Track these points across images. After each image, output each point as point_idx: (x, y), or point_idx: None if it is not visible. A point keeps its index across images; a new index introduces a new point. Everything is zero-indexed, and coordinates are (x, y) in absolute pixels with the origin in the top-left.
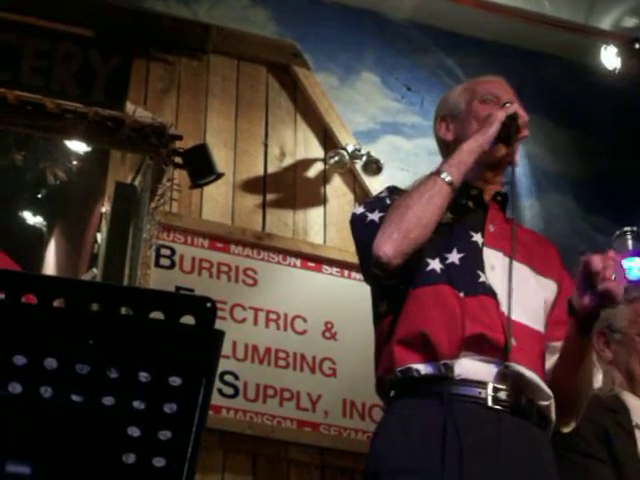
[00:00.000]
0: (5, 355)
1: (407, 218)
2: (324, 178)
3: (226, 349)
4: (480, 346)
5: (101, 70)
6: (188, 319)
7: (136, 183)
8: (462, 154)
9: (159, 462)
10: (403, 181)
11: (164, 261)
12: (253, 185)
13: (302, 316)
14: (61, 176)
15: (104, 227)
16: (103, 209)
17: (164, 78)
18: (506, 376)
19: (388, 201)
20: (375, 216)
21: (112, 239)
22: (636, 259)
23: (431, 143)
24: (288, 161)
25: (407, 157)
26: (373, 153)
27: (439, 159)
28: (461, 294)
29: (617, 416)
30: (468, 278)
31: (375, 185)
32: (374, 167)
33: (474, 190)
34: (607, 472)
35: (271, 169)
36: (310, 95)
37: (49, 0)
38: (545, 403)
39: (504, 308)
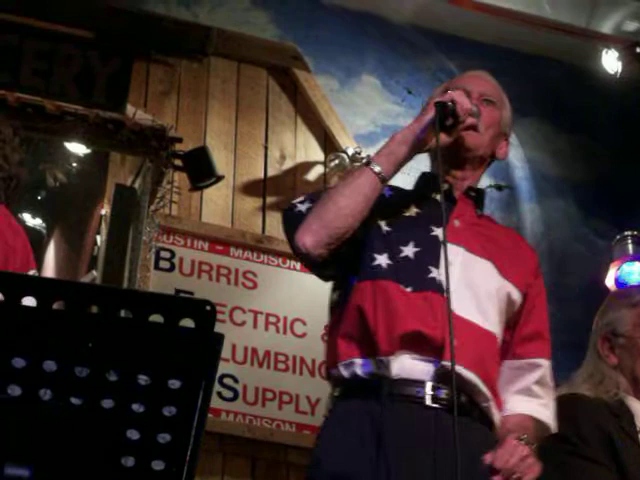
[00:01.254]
0: (4, 358)
1: (328, 208)
2: (324, 181)
3: (225, 352)
4: (418, 344)
5: (101, 72)
6: (187, 322)
7: (136, 185)
8: (393, 144)
9: (158, 465)
10: (403, 184)
11: (164, 264)
12: (253, 188)
13: (301, 319)
14: (61, 178)
15: (104, 229)
16: (103, 211)
17: (164, 80)
18: (444, 375)
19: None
20: (303, 207)
21: (112, 241)
22: (636, 263)
23: None
24: (288, 164)
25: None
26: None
27: None
28: (407, 289)
29: (621, 421)
30: (418, 273)
31: None
32: None
33: (445, 185)
34: (611, 477)
35: (271, 172)
36: (310, 98)
37: (49, 2)
38: (484, 404)
39: (452, 306)
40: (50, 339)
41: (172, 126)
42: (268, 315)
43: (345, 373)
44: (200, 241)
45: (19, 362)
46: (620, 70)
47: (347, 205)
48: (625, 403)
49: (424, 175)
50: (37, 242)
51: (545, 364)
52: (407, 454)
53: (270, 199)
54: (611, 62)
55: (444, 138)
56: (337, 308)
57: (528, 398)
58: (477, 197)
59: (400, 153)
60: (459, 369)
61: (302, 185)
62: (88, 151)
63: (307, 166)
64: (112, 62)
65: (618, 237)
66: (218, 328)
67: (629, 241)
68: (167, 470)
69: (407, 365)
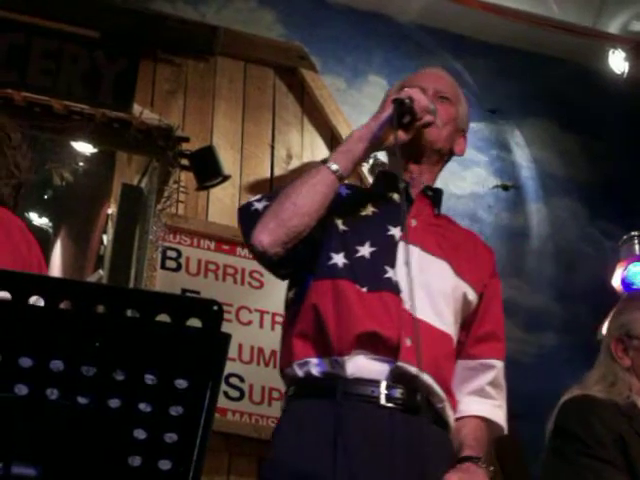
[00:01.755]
0: (11, 357)
1: (285, 207)
2: None
3: (232, 351)
4: (373, 344)
5: (108, 72)
6: (194, 322)
7: (142, 185)
8: (351, 142)
9: (165, 465)
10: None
11: (170, 263)
12: (260, 187)
13: None
14: (67, 177)
15: (110, 229)
16: (109, 211)
17: (171, 80)
18: (399, 375)
19: None
20: (260, 205)
21: (118, 241)
22: None
23: None
24: (295, 163)
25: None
26: (380, 156)
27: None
28: (363, 289)
29: (633, 423)
30: (374, 273)
31: None
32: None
33: (402, 183)
34: (622, 478)
35: (277, 171)
36: (317, 97)
37: (56, 2)
38: (439, 405)
39: (407, 306)
40: (57, 338)
41: (179, 126)
42: (274, 315)
43: (299, 372)
44: (207, 240)
45: (26, 361)
46: (627, 70)
47: (304, 204)
48: (637, 405)
49: (382, 173)
50: (43, 241)
51: (499, 365)
52: (362, 453)
53: None
54: (618, 62)
55: (401, 135)
56: (293, 306)
57: (481, 399)
58: (435, 196)
59: (357, 151)
60: (414, 370)
61: None
62: (95, 150)
63: (314, 166)
64: (119, 61)
65: (625, 237)
66: (225, 328)
67: (636, 241)
68: (174, 470)
69: (362, 365)
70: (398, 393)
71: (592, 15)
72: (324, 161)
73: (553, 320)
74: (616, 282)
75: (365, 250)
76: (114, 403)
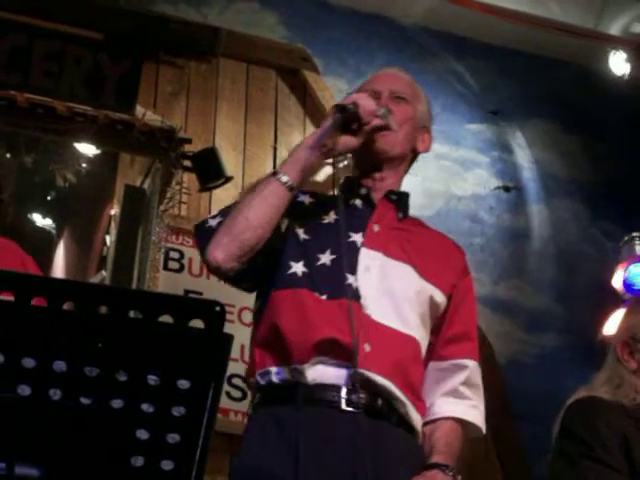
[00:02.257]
0: (14, 357)
1: (237, 221)
2: (333, 182)
3: (234, 352)
4: (333, 351)
5: (111, 73)
6: (197, 323)
7: (145, 186)
8: (299, 151)
9: (167, 465)
10: (411, 186)
11: (173, 264)
12: None
13: None
14: (70, 179)
15: (113, 230)
16: (112, 212)
17: (174, 81)
18: (357, 381)
19: None
20: (214, 222)
21: (121, 242)
22: None
23: (440, 148)
24: None
25: (415, 162)
26: None
27: (448, 164)
28: (323, 297)
29: (638, 424)
30: (333, 281)
31: None
32: None
33: (363, 189)
34: None
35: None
36: (319, 99)
37: (59, 3)
38: (402, 410)
39: (368, 311)
40: (60, 339)
41: (181, 127)
42: None
43: (262, 381)
44: None
45: (29, 362)
46: (628, 71)
47: (255, 217)
48: None
49: (347, 180)
50: (47, 242)
51: (471, 364)
52: (324, 457)
53: None
54: (619, 63)
55: (350, 141)
56: (257, 317)
57: (456, 400)
58: (399, 200)
59: (305, 160)
60: (372, 375)
61: (311, 186)
62: (98, 152)
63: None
64: (122, 63)
65: (626, 238)
66: (227, 328)
67: (637, 242)
68: (176, 470)
69: (322, 371)
70: (359, 398)
71: (593, 17)
72: (274, 173)
73: (554, 321)
74: (617, 283)
75: (326, 258)
76: (117, 404)
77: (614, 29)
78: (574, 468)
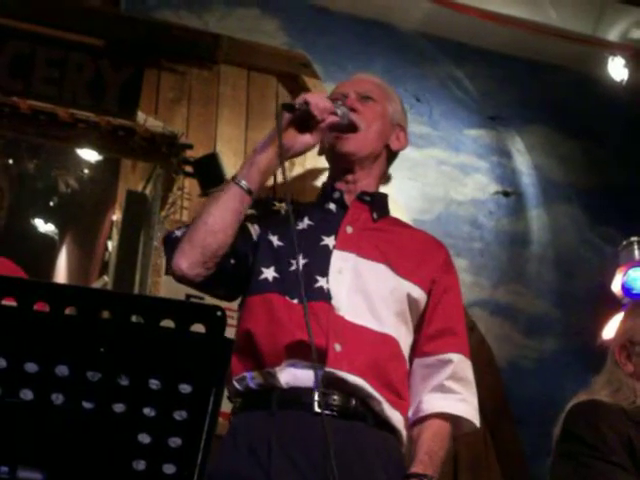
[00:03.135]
0: (17, 362)
1: (198, 228)
2: (274, 191)
3: None
4: (304, 353)
5: (113, 80)
6: (198, 327)
7: (147, 191)
8: (253, 155)
9: (169, 469)
10: (412, 191)
11: None
12: (262, 194)
13: None
14: (73, 184)
15: (115, 235)
16: (114, 217)
17: (175, 88)
18: (329, 381)
19: None
20: (179, 232)
21: (123, 247)
22: None
23: (440, 153)
24: (297, 170)
25: (416, 167)
26: None
27: (448, 169)
28: (294, 301)
29: (639, 427)
30: (304, 285)
31: None
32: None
33: (336, 193)
34: (632, 479)
35: (280, 178)
36: None
37: (61, 10)
38: (377, 408)
39: (341, 312)
40: (62, 344)
41: (183, 133)
42: None
43: (239, 387)
44: None
45: (31, 367)
46: (626, 77)
47: (215, 222)
48: None
49: (323, 184)
50: (49, 248)
51: (456, 358)
52: (297, 461)
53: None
54: (617, 69)
55: (307, 139)
56: (238, 323)
57: (443, 395)
58: (372, 201)
59: (261, 162)
60: (344, 375)
61: (312, 191)
62: (100, 158)
63: (316, 172)
64: (123, 70)
65: (625, 243)
66: (228, 333)
67: (636, 247)
68: (178, 474)
69: (295, 374)
70: (332, 399)
71: (591, 22)
72: (233, 178)
73: (553, 325)
74: (616, 287)
75: (299, 262)
76: (119, 408)
77: (612, 35)
78: (581, 469)
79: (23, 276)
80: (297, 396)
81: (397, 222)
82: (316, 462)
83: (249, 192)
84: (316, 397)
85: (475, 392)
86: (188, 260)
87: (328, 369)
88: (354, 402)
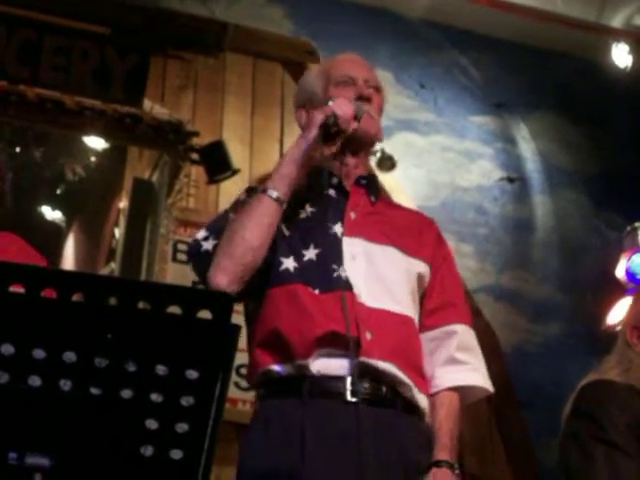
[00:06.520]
0: (25, 349)
1: (236, 243)
2: None
3: (242, 342)
4: (333, 343)
5: (119, 68)
6: (205, 313)
7: (154, 179)
8: (285, 166)
9: (176, 454)
10: (417, 178)
11: (181, 256)
12: None
13: None
14: (80, 172)
15: (122, 222)
16: (121, 204)
17: (181, 75)
18: (361, 370)
19: (232, 215)
20: (209, 245)
21: (130, 234)
22: None
23: (445, 140)
24: None
25: (421, 154)
26: (387, 150)
27: (452, 156)
28: (316, 291)
29: None
30: (323, 274)
31: (389, 181)
32: (388, 163)
33: (334, 179)
34: (633, 465)
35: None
36: None
37: None
38: (407, 394)
39: (362, 299)
40: (70, 330)
41: (189, 120)
42: None
43: (266, 377)
44: None
45: (39, 353)
46: (630, 64)
47: (252, 237)
48: None
49: (315, 169)
50: (56, 235)
51: (460, 328)
52: (330, 450)
53: None
54: (621, 56)
55: (329, 149)
56: (254, 317)
57: (455, 367)
58: (369, 184)
59: (293, 174)
60: (375, 362)
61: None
62: (106, 145)
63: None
64: (130, 58)
65: (629, 228)
66: (235, 319)
67: (639, 233)
68: (185, 459)
69: (326, 363)
70: (363, 387)
71: (595, 9)
72: (264, 190)
73: (558, 310)
74: (620, 272)
75: (311, 253)
76: (126, 394)
77: (616, 22)
78: (582, 449)
79: (34, 253)
80: (328, 385)
81: (389, 203)
82: (348, 451)
83: (282, 204)
84: (348, 386)
85: (482, 358)
86: (228, 276)
87: (362, 358)
88: (384, 389)
